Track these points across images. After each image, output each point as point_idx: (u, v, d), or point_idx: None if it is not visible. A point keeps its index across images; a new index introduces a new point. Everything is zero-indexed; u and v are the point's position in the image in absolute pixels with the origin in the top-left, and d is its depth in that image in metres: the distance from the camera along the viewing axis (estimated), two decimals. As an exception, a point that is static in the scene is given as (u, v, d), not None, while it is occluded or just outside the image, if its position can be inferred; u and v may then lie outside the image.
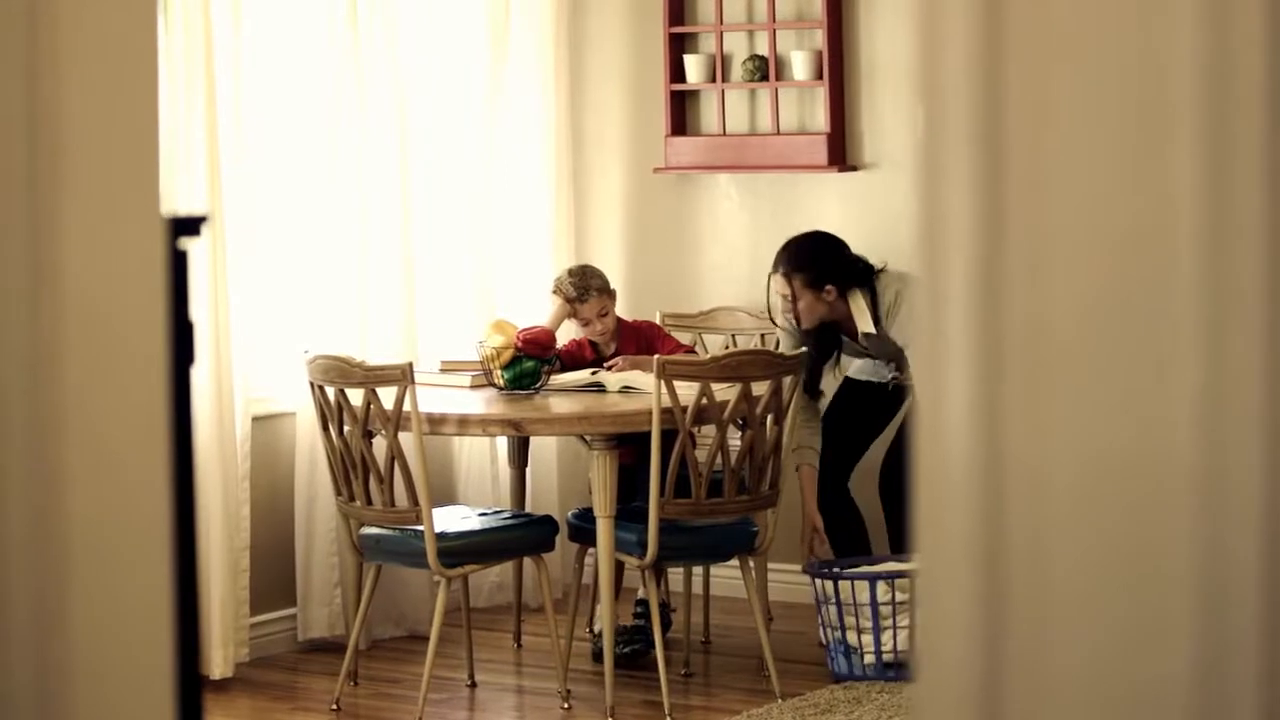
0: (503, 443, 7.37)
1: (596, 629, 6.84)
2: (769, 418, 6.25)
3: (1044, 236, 1.85)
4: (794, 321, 6.76)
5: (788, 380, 6.25)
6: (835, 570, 6.54)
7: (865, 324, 6.72)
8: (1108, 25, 1.83)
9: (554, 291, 7.02)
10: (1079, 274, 1.85)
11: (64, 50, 2.37)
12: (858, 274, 6.75)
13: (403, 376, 6.05)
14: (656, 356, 6.23)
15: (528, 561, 6.82)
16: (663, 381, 6.08)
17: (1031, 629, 1.86)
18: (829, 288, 6.70)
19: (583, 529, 6.51)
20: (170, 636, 2.46)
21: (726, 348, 7.23)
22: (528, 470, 7.15)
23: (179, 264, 2.67)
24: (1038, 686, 1.86)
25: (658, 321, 7.31)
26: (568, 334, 7.11)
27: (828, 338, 6.81)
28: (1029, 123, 1.85)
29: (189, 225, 2.78)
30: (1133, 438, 1.85)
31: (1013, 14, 1.85)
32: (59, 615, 2.40)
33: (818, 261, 6.73)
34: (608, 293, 6.97)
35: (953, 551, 1.87)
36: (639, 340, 6.99)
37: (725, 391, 6.20)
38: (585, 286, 6.93)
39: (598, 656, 6.73)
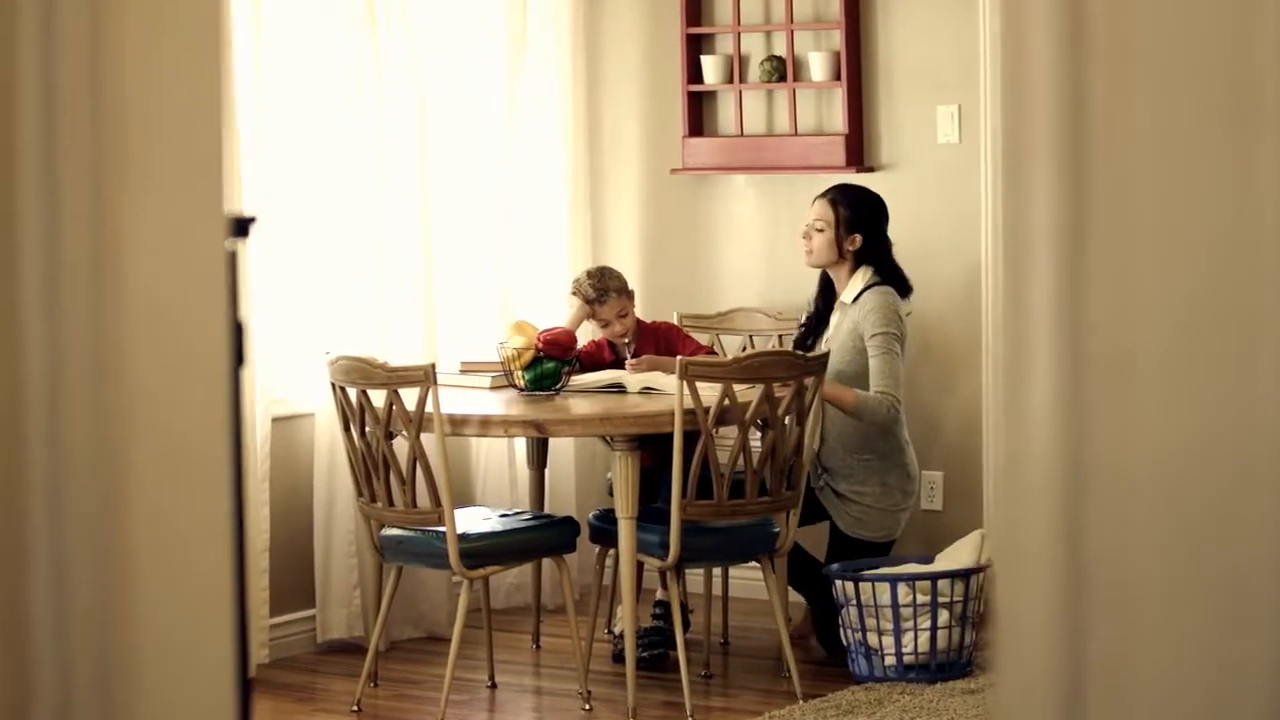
0: (520, 444, 7.37)
1: (615, 630, 6.83)
2: (789, 418, 6.25)
3: (1128, 240, 1.85)
4: (806, 248, 6.84)
5: (810, 381, 6.24)
6: (856, 572, 6.54)
7: (849, 293, 6.75)
8: (1194, 29, 1.83)
9: (573, 293, 7.01)
10: (1162, 276, 1.85)
11: (128, 48, 2.37)
12: (883, 257, 6.78)
13: (425, 378, 6.04)
14: (679, 357, 6.21)
15: (547, 562, 6.81)
16: (685, 382, 6.08)
17: (1114, 626, 1.86)
18: (855, 237, 6.74)
19: (604, 530, 6.50)
20: (231, 633, 2.46)
21: (744, 349, 7.22)
22: (546, 471, 7.15)
23: (230, 265, 2.67)
24: (1120, 684, 1.86)
25: (675, 322, 7.31)
26: (587, 335, 7.10)
27: (826, 300, 6.85)
28: (1113, 128, 1.85)
29: (240, 226, 2.79)
30: (1214, 437, 1.85)
31: (1095, 23, 1.86)
32: (122, 613, 2.40)
33: (867, 213, 6.80)
34: (626, 294, 6.97)
35: (1034, 550, 1.87)
36: (658, 341, 6.99)
37: (747, 392, 6.19)
38: (604, 288, 6.93)
39: (617, 657, 6.72)
